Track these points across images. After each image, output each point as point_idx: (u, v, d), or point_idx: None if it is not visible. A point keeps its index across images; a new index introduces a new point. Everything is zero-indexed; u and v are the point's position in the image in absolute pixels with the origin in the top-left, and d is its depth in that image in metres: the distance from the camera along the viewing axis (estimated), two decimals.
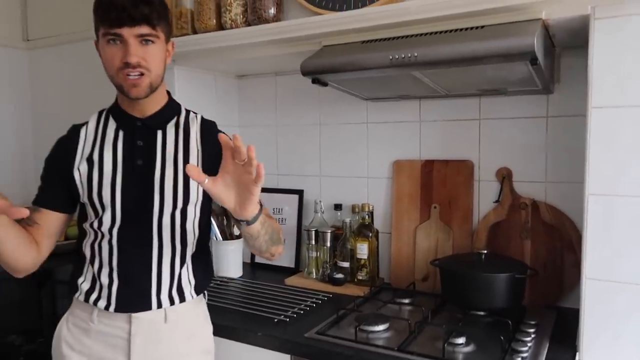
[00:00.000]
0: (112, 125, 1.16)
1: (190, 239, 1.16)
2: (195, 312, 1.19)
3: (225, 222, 1.83)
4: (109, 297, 1.10)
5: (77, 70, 2.42)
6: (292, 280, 1.74)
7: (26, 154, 2.60)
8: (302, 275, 1.79)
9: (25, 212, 0.93)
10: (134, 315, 1.10)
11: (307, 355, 1.23)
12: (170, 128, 1.16)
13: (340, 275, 1.66)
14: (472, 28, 1.22)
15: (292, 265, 1.87)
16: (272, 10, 1.47)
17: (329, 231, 1.72)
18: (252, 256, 1.98)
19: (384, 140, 1.76)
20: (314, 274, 1.75)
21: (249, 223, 1.00)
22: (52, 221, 1.15)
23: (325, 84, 1.43)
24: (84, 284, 1.13)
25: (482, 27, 1.21)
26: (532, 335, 1.23)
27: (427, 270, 1.62)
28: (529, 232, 1.49)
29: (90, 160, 1.12)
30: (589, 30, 1.11)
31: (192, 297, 1.17)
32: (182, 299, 1.15)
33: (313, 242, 1.74)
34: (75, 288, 1.15)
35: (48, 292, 2.51)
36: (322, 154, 1.90)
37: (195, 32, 1.62)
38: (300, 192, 1.91)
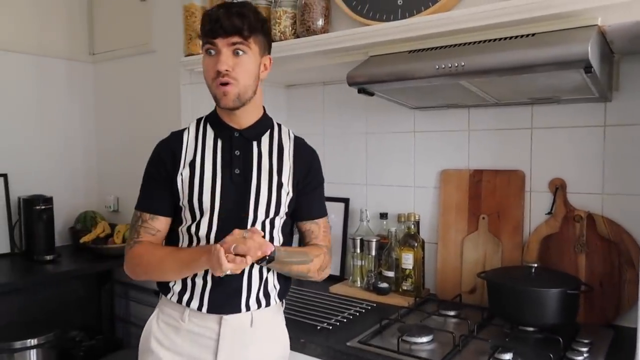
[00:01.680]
0: (210, 133, 1.20)
1: (279, 244, 1.21)
2: (276, 317, 1.24)
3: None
4: (201, 298, 1.15)
5: (137, 82, 2.56)
6: (336, 288, 1.74)
7: (90, 166, 2.76)
8: (346, 283, 1.79)
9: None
10: (224, 317, 1.15)
11: None
12: (265, 140, 1.21)
13: (384, 285, 1.65)
14: (522, 36, 1.19)
15: (338, 274, 1.88)
16: (320, 22, 1.50)
17: (374, 240, 1.72)
18: None
19: (432, 149, 1.74)
20: (359, 282, 1.75)
21: (266, 262, 1.07)
22: (165, 226, 1.20)
23: (371, 94, 1.44)
24: (176, 286, 1.17)
25: (533, 34, 1.18)
26: (585, 355, 1.18)
27: (475, 283, 1.58)
28: (584, 246, 1.42)
29: (192, 166, 1.17)
30: None
31: (276, 301, 1.21)
32: (268, 303, 1.19)
33: (358, 251, 1.74)
34: (167, 290, 1.19)
35: (107, 291, 2.65)
36: (369, 162, 1.90)
37: None
38: (346, 201, 1.92)
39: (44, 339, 2.13)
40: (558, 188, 1.49)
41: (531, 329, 1.33)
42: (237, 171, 1.17)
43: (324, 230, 1.27)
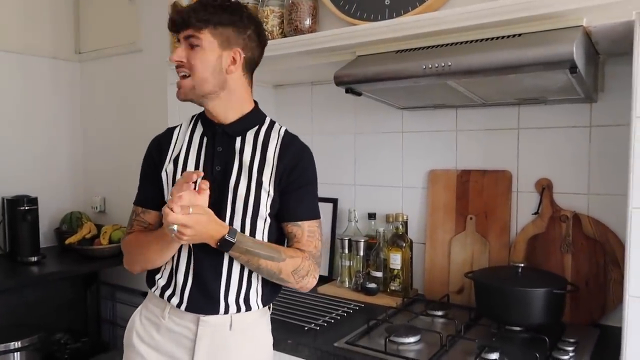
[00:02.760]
0: (199, 129, 1.21)
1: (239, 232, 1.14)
2: (260, 322, 1.19)
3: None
4: (181, 296, 1.14)
5: (124, 81, 2.53)
6: (324, 289, 1.74)
7: (76, 166, 2.73)
8: (335, 284, 1.79)
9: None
10: (202, 317, 1.13)
11: None
12: (250, 136, 1.18)
13: (372, 285, 1.65)
14: (508, 36, 1.19)
15: (326, 274, 1.87)
16: (308, 22, 1.50)
17: (363, 240, 1.72)
18: None
19: (420, 149, 1.74)
20: (347, 283, 1.74)
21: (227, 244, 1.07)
22: (157, 219, 1.21)
23: (359, 94, 1.44)
24: (161, 280, 1.17)
25: (520, 35, 1.19)
26: (571, 354, 1.18)
27: (462, 283, 1.59)
28: (570, 246, 1.43)
29: (176, 162, 1.17)
30: (634, 37, 1.06)
31: (259, 307, 1.17)
32: (248, 307, 1.15)
33: (346, 251, 1.74)
34: (152, 283, 1.20)
35: (93, 293, 2.62)
36: (357, 163, 1.90)
37: None
38: (334, 201, 1.92)
39: (27, 341, 2.10)
40: (544, 188, 1.49)
41: (518, 328, 1.33)
42: (217, 168, 1.15)
43: (309, 234, 1.17)
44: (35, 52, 2.55)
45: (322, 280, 1.84)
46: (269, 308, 1.24)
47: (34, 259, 2.24)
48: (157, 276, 1.19)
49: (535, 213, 1.50)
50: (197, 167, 1.16)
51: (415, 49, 1.33)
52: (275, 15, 1.55)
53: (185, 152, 1.18)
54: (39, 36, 2.56)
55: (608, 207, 1.41)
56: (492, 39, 1.21)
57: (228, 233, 1.06)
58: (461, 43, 1.25)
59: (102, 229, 2.35)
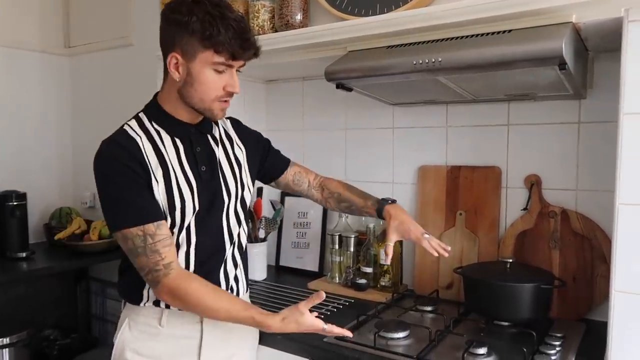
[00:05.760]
0: (164, 134, 1.13)
1: (245, 234, 1.27)
2: None
3: (250, 224, 1.85)
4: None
5: (115, 75, 2.51)
6: (315, 284, 1.74)
7: (66, 161, 2.70)
8: (325, 279, 1.79)
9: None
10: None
11: None
12: (215, 131, 1.23)
13: (362, 281, 1.65)
14: (498, 32, 1.20)
15: (316, 269, 1.88)
16: (299, 16, 1.49)
17: (353, 236, 1.72)
18: (277, 259, 2.00)
19: (410, 145, 1.75)
20: (337, 278, 1.75)
21: None
22: (169, 231, 1.10)
23: (349, 89, 1.43)
24: (152, 291, 1.11)
25: (510, 31, 1.19)
26: (558, 348, 1.19)
27: (451, 278, 1.59)
28: (558, 242, 1.44)
29: (165, 170, 1.09)
30: (623, 33, 1.07)
31: (244, 292, 1.26)
32: (238, 293, 1.23)
33: (337, 247, 1.74)
34: (140, 297, 1.14)
35: (83, 289, 2.60)
36: (348, 158, 1.90)
37: None
38: None
39: (16, 337, 2.09)
40: (533, 184, 1.50)
41: (506, 323, 1.34)
42: (203, 168, 1.15)
43: (302, 166, 1.45)
44: (24, 45, 2.51)
45: (313, 275, 1.85)
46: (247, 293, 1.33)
47: (23, 254, 2.22)
48: (146, 289, 1.13)
49: (524, 209, 1.51)
50: (183, 170, 1.12)
51: (406, 44, 1.33)
52: (266, 9, 1.54)
53: (168, 158, 1.11)
54: (28, 29, 2.53)
55: (596, 203, 1.42)
56: (482, 35, 1.21)
57: (390, 202, 1.32)
58: (452, 39, 1.25)
59: (92, 224, 2.33)
